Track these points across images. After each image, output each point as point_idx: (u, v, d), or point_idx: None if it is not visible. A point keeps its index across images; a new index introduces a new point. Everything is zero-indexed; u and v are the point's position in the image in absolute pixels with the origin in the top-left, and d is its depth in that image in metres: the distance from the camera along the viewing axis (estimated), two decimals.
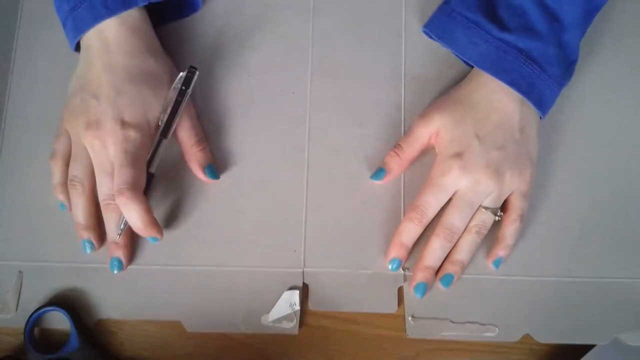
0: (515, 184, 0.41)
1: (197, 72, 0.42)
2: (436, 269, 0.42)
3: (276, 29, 0.47)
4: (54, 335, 0.43)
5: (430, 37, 0.45)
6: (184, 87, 0.41)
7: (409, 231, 0.42)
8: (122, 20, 0.40)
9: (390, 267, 0.43)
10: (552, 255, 0.44)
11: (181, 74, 0.42)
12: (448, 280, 0.42)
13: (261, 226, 0.44)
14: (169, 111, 0.41)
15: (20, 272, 0.43)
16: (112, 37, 0.40)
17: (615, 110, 0.47)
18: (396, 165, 0.43)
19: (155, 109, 0.41)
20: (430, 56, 0.47)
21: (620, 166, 0.46)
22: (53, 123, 0.44)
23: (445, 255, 0.42)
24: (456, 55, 0.44)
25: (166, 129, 0.41)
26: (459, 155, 0.41)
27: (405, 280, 0.44)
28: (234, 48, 0.47)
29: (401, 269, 0.43)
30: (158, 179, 0.44)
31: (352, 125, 0.46)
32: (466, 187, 0.41)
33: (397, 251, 0.42)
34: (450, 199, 0.42)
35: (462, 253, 0.42)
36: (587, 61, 0.47)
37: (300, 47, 0.47)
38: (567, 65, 0.42)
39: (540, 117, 0.43)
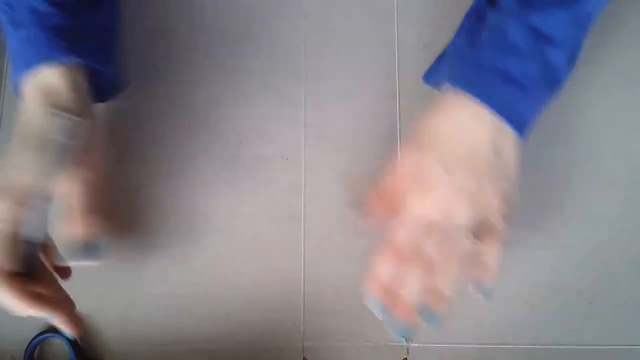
0: (492, 208, 0.39)
1: (80, 120, 0.37)
2: (416, 304, 0.39)
3: (268, 92, 0.46)
4: None
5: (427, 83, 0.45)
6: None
7: (386, 269, 0.39)
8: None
9: (376, 313, 0.39)
10: (563, 321, 0.42)
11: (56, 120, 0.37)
12: (431, 315, 0.38)
13: (258, 300, 0.43)
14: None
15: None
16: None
17: (634, 168, 0.45)
18: (378, 209, 0.41)
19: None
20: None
21: (633, 229, 0.44)
22: None
23: (421, 289, 0.38)
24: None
25: None
26: (425, 180, 0.39)
27: (408, 353, 0.42)
28: (227, 112, 0.46)
29: (404, 341, 0.42)
30: (153, 250, 0.43)
31: (348, 192, 0.45)
32: (439, 214, 0.38)
33: (378, 294, 0.39)
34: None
35: (445, 284, 0.39)
36: None
37: (294, 112, 0.46)
38: (552, 85, 0.39)
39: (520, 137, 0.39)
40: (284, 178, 0.45)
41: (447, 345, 0.42)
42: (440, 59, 0.43)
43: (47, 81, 0.38)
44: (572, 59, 0.39)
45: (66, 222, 0.38)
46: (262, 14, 0.47)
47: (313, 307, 0.43)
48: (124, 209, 0.44)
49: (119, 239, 0.43)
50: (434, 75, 0.44)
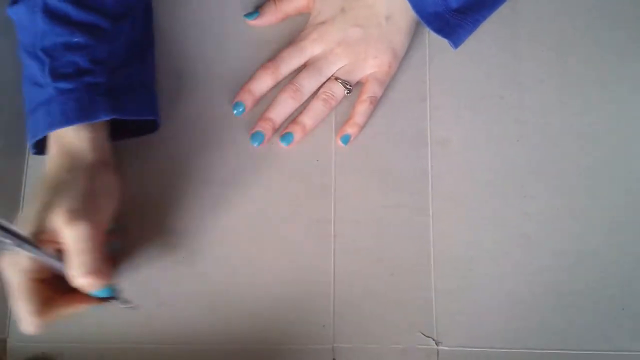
0: (369, 67, 0.44)
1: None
2: (277, 123, 0.44)
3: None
4: None
5: None
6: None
7: (259, 80, 0.44)
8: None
9: (234, 111, 0.44)
10: (593, 326, 0.42)
11: None
12: (287, 138, 0.44)
13: (288, 301, 0.43)
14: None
15: (43, 353, 0.42)
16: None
17: None
18: (270, 12, 0.45)
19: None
20: (455, 119, 0.46)
21: None
22: None
23: (287, 113, 0.44)
24: None
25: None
26: (321, 23, 0.44)
27: (438, 356, 0.42)
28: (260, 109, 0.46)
29: (434, 343, 0.42)
30: (181, 249, 0.43)
31: (378, 194, 0.44)
32: (320, 53, 0.44)
33: (242, 95, 0.44)
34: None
35: (306, 116, 0.44)
36: None
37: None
38: None
39: (452, 44, 0.42)
40: (314, 179, 0.45)
41: (475, 349, 0.42)
42: None
43: (72, 139, 0.38)
44: None
45: (77, 272, 0.35)
46: None
47: (343, 309, 0.43)
48: (149, 204, 0.44)
49: (148, 237, 0.43)
50: None
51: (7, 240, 0.33)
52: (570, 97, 0.46)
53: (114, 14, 0.40)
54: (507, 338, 0.42)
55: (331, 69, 0.44)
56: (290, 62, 0.44)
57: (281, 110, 0.44)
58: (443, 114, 0.46)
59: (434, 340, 0.42)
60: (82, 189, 0.37)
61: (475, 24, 0.42)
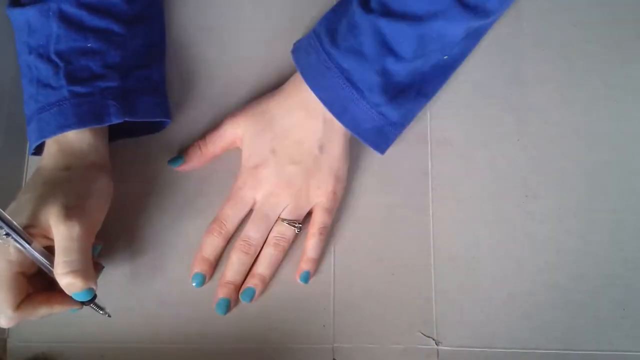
0: (313, 198, 0.42)
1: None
2: (238, 284, 0.42)
3: None
4: None
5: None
6: None
7: (210, 245, 0.42)
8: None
9: (193, 283, 0.42)
10: (594, 326, 0.42)
11: None
12: (248, 294, 0.42)
13: (288, 300, 0.43)
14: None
15: (43, 352, 0.42)
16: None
17: None
18: (196, 157, 0.43)
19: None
20: (455, 119, 0.46)
21: None
22: None
23: (246, 270, 0.42)
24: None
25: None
26: (255, 168, 0.42)
27: (438, 356, 0.42)
28: None
29: (434, 343, 0.42)
30: (185, 249, 0.43)
31: (378, 194, 0.44)
32: (261, 199, 0.42)
33: (199, 265, 0.42)
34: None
35: (262, 266, 0.42)
36: None
37: None
38: (392, 96, 0.40)
39: (374, 147, 0.42)
40: None
41: (476, 349, 0.42)
42: (310, 36, 0.42)
43: (72, 140, 0.38)
44: (415, 73, 0.41)
45: (63, 270, 0.34)
46: None
47: (343, 309, 0.43)
48: (151, 203, 0.44)
49: (148, 237, 0.43)
50: (297, 52, 0.42)
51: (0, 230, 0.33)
52: (571, 96, 0.46)
53: (128, 18, 0.40)
54: (507, 338, 0.42)
55: (276, 212, 0.42)
56: (235, 216, 0.42)
57: (238, 269, 0.42)
58: (443, 114, 0.46)
59: (434, 340, 0.42)
60: (78, 188, 0.37)
61: (406, 125, 0.43)
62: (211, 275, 0.42)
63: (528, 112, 0.46)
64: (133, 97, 0.40)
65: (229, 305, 0.42)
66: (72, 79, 0.38)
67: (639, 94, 0.46)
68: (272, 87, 0.45)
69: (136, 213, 0.44)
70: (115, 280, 0.43)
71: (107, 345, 0.42)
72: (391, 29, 0.38)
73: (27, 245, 0.34)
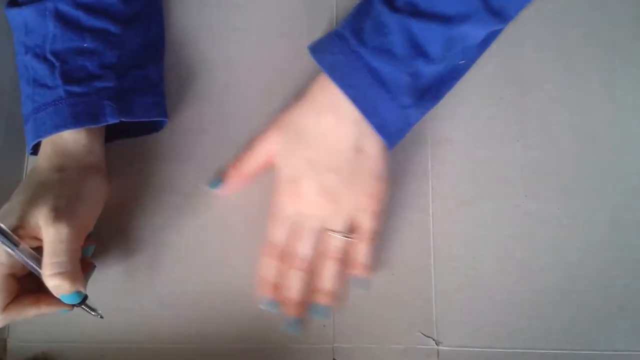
0: (356, 204, 0.40)
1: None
2: (302, 301, 0.41)
3: None
4: None
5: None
6: None
7: (269, 267, 0.41)
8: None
9: (267, 308, 0.41)
10: (594, 326, 0.42)
11: None
12: (316, 310, 0.41)
13: None
14: None
15: (43, 352, 0.42)
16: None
17: None
18: (235, 180, 0.43)
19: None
20: (455, 119, 0.46)
21: None
22: None
23: (306, 285, 0.41)
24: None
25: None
26: (293, 181, 0.40)
27: (438, 356, 0.42)
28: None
29: (434, 343, 0.42)
30: (186, 250, 0.43)
31: None
32: (305, 212, 0.40)
33: (265, 291, 0.41)
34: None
35: (324, 280, 0.41)
36: None
37: None
38: (420, 98, 0.40)
39: (388, 147, 0.41)
40: None
41: (476, 349, 0.42)
42: (330, 32, 0.42)
43: (67, 141, 0.38)
44: (437, 76, 0.41)
45: (51, 272, 0.34)
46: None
47: (343, 309, 0.43)
48: (151, 202, 0.44)
49: (152, 239, 0.43)
50: (314, 44, 0.42)
51: None
52: (571, 97, 0.46)
53: (125, 18, 0.40)
54: (507, 338, 0.42)
55: (322, 223, 0.40)
56: (284, 234, 0.41)
57: (298, 287, 0.40)
58: (443, 114, 0.46)
59: (434, 340, 0.42)
60: (70, 190, 0.37)
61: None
62: (279, 297, 0.41)
63: (527, 113, 0.46)
64: (130, 97, 0.39)
65: (300, 324, 0.41)
66: (68, 78, 0.38)
67: (637, 95, 0.46)
68: (272, 87, 0.45)
69: (134, 213, 0.44)
70: (114, 280, 0.43)
71: (107, 345, 0.42)
72: (421, 28, 0.37)
73: (14, 248, 0.34)
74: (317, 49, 0.41)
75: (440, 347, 0.42)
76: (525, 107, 0.46)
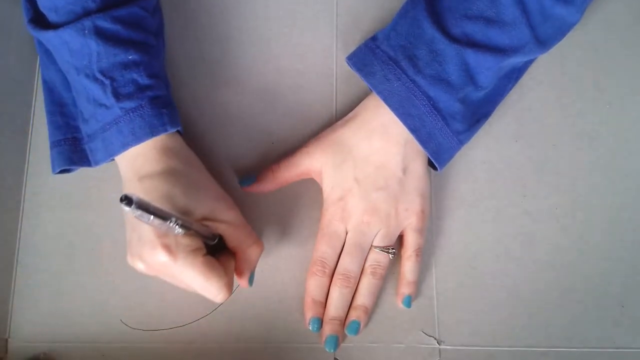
0: (403, 221, 0.42)
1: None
2: (343, 318, 0.42)
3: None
4: None
5: (352, 68, 0.43)
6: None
7: (317, 286, 0.42)
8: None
9: (311, 328, 0.42)
10: (594, 324, 0.42)
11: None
12: (353, 328, 0.41)
13: (290, 299, 0.43)
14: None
15: (44, 352, 0.42)
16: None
17: None
18: (268, 181, 0.43)
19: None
20: None
21: None
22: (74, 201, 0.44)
23: (348, 303, 0.42)
24: (371, 90, 0.42)
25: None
26: (341, 199, 0.41)
27: (440, 354, 0.42)
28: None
29: (436, 341, 0.42)
30: None
31: None
32: (353, 230, 0.41)
33: (312, 310, 0.42)
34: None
35: (363, 297, 0.41)
36: None
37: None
38: (470, 124, 0.42)
39: (437, 169, 0.42)
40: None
41: (477, 348, 0.42)
42: (372, 47, 0.42)
43: (165, 141, 0.38)
44: (485, 101, 0.42)
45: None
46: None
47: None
48: None
49: None
50: (358, 62, 0.42)
51: (171, 224, 0.33)
52: (568, 97, 0.46)
53: (155, 31, 0.41)
54: (508, 336, 0.42)
55: (368, 240, 0.41)
56: (332, 252, 0.42)
57: (341, 304, 0.41)
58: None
59: (435, 339, 0.42)
60: (211, 182, 0.40)
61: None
62: (321, 314, 0.42)
63: (526, 114, 0.46)
64: (174, 105, 0.40)
65: (337, 341, 0.41)
66: (119, 95, 0.37)
67: (632, 96, 0.46)
68: (272, 87, 0.45)
69: None
70: (115, 279, 0.43)
71: (108, 345, 0.42)
72: (476, 59, 0.39)
73: (191, 225, 0.35)
74: (366, 71, 0.42)
75: (442, 346, 0.42)
76: (523, 108, 0.46)
